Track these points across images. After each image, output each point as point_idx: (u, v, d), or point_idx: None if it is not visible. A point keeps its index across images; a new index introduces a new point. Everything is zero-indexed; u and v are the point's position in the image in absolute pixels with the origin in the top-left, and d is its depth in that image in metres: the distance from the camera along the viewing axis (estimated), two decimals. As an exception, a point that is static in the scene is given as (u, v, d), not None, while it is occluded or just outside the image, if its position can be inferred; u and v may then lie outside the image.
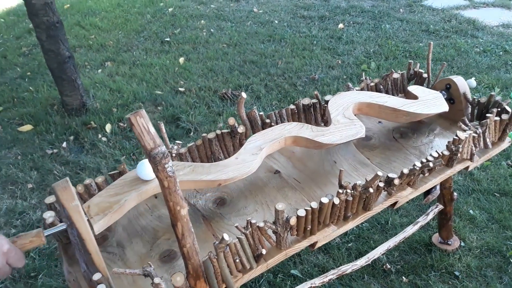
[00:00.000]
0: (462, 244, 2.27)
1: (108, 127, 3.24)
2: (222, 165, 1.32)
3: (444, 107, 1.60)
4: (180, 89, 3.71)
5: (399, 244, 2.26)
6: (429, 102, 1.61)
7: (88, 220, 1.09)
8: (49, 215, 1.23)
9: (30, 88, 3.78)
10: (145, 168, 1.21)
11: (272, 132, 1.44)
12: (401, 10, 5.25)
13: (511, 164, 2.79)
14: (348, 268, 1.78)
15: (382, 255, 2.10)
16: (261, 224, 1.14)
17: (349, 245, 2.29)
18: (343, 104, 1.56)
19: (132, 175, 1.26)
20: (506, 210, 2.43)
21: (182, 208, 0.94)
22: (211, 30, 4.86)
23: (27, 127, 3.28)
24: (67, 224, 1.06)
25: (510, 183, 2.61)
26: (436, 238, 2.28)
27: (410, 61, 1.97)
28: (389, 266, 2.16)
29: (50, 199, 1.25)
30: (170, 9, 5.39)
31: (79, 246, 1.06)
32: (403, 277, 2.11)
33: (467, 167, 1.56)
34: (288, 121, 1.67)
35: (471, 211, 2.44)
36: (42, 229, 1.08)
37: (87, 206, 1.16)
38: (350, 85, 1.80)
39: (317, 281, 1.71)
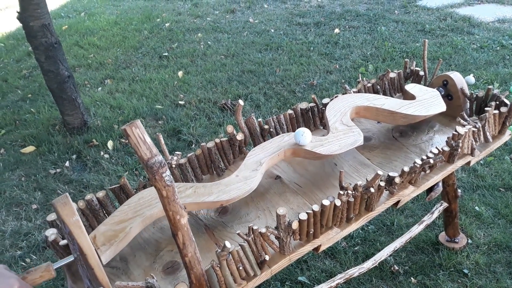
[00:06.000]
0: (470, 241, 2.24)
1: (110, 144, 3.25)
2: (224, 184, 1.32)
3: (441, 107, 1.59)
4: (180, 102, 3.73)
5: (406, 245, 2.24)
6: (426, 101, 1.60)
7: (95, 250, 1.10)
8: (51, 232, 1.23)
9: (32, 109, 3.80)
10: (301, 136, 1.41)
11: (270, 144, 1.44)
12: (396, 11, 5.27)
13: (515, 159, 2.77)
14: (355, 271, 1.76)
15: (389, 256, 2.08)
16: (263, 230, 1.13)
17: (356, 248, 2.28)
18: (341, 110, 1.56)
19: (135, 199, 1.27)
20: (513, 205, 2.41)
21: (182, 217, 0.93)
22: (208, 42, 4.89)
23: (30, 148, 3.29)
24: (68, 240, 1.07)
25: (515, 178, 2.59)
26: (443, 236, 2.26)
27: (406, 59, 1.98)
28: (397, 268, 2.14)
29: (52, 217, 1.26)
30: (167, 24, 5.44)
31: (81, 262, 1.06)
32: (412, 278, 2.09)
33: (469, 162, 1.55)
34: (287, 127, 1.67)
35: (476, 208, 2.42)
36: (50, 262, 1.09)
37: (93, 235, 1.17)
38: (347, 86, 1.80)
39: (325, 286, 1.69)
